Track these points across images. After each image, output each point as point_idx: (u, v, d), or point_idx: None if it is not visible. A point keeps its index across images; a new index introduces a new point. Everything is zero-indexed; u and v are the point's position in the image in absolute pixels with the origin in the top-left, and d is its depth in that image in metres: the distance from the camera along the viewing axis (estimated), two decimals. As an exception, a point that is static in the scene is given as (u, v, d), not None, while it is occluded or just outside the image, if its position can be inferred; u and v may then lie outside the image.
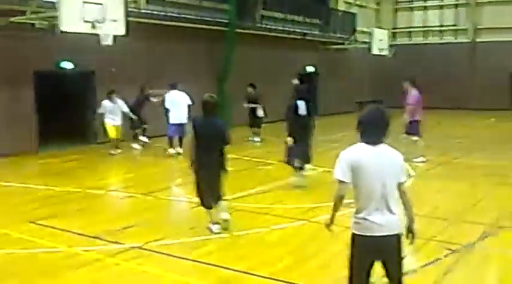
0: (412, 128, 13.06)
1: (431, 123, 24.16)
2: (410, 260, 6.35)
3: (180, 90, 14.38)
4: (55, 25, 12.78)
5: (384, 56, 27.75)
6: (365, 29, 29.14)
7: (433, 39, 32.47)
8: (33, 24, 13.83)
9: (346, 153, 4.21)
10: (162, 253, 6.58)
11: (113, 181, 11.93)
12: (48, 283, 5.69)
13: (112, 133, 14.45)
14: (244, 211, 8.74)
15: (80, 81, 16.35)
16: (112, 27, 13.55)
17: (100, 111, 14.50)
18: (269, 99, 17.56)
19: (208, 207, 7.37)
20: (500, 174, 11.59)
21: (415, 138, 13.13)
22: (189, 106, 14.00)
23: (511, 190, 10.01)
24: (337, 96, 27.49)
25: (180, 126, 13.81)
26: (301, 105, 9.93)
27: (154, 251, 6.64)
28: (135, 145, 15.54)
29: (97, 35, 13.48)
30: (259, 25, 22.29)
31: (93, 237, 7.19)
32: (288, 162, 10.29)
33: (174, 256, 6.48)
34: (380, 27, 29.07)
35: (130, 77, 16.46)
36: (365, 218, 4.21)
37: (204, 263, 6.26)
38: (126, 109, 14.64)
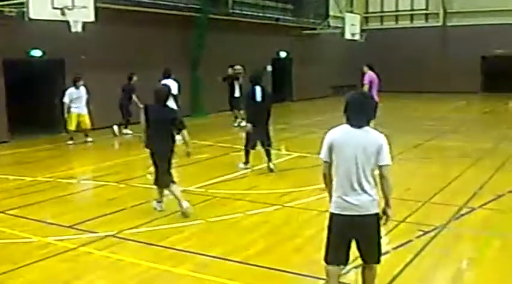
0: None
1: (403, 107, 24.46)
2: (382, 242, 6.46)
3: (173, 79, 14.57)
4: (24, 12, 12.55)
5: (356, 40, 27.89)
6: (338, 14, 29.20)
7: (404, 24, 32.70)
8: (1, 12, 13.54)
9: (330, 133, 4.40)
10: (137, 241, 6.56)
11: (86, 170, 11.78)
12: (20, 273, 5.61)
13: (72, 123, 14.10)
14: (218, 197, 8.74)
15: (50, 69, 16.09)
16: (81, 13, 13.36)
17: (65, 100, 14.03)
18: (243, 84, 17.51)
19: (165, 187, 7.67)
20: (472, 156, 11.77)
21: None
22: (174, 95, 14.18)
23: (483, 172, 10.16)
24: (311, 81, 27.56)
25: None
26: (258, 91, 10.12)
27: (128, 239, 6.61)
28: (115, 128, 15.50)
29: (66, 22, 13.27)
30: (231, 11, 22.16)
31: (66, 226, 7.12)
32: (246, 146, 10.60)
33: (149, 244, 6.45)
34: (352, 12, 29.14)
35: (101, 64, 16.26)
36: (341, 198, 4.32)
37: (179, 250, 6.25)
38: (86, 96, 14.29)
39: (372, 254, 4.42)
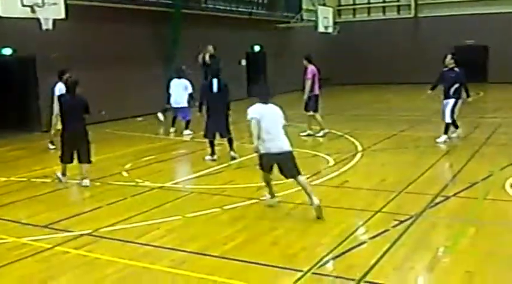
0: (310, 104, 13.64)
1: (376, 98, 24.66)
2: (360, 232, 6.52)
3: (187, 79, 14.95)
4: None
5: (329, 33, 28.01)
6: (311, 7, 29.27)
7: (376, 16, 32.94)
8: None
9: (253, 107, 7.32)
10: (113, 239, 6.50)
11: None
12: (-5, 275, 5.54)
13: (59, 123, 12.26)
14: (195, 192, 8.73)
15: (21, 68, 15.87)
16: (52, 11, 13.17)
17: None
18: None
19: (67, 163, 9.35)
20: (445, 145, 11.91)
21: (310, 113, 13.65)
22: (190, 94, 14.75)
23: (456, 161, 10.31)
24: (285, 75, 27.55)
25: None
26: (215, 83, 10.73)
27: (105, 238, 6.55)
28: (160, 115, 16.40)
29: (37, 19, 13.08)
30: (204, 5, 22.08)
31: (41, 226, 7.03)
32: (205, 136, 11.07)
33: (126, 241, 6.41)
34: (325, 5, 29.23)
35: (73, 62, 16.04)
36: (268, 144, 7.16)
37: (156, 246, 6.23)
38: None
39: (290, 172, 7.21)
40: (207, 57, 17.24)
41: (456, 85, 12.07)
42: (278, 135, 7.21)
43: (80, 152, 9.22)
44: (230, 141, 10.99)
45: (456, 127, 12.50)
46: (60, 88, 12.84)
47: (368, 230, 6.55)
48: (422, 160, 10.58)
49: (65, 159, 9.36)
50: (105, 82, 16.80)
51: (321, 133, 13.64)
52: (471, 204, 7.64)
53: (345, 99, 23.37)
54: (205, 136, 11.07)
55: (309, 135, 13.65)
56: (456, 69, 12.19)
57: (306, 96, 13.63)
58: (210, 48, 17.08)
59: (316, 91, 13.60)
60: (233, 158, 10.83)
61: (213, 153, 10.99)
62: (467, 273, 5.18)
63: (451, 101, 12.07)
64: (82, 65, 15.87)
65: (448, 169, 9.64)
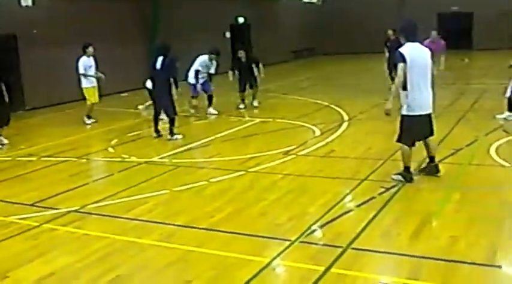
0: None
1: (363, 68, 24.63)
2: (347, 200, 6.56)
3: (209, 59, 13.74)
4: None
5: (313, 3, 27.82)
6: (294, -23, 29.01)
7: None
8: None
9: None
10: (101, 215, 6.51)
11: (45, 147, 11.46)
12: (-17, 254, 5.54)
13: (95, 96, 13.03)
14: (182, 166, 8.72)
15: (2, 45, 15.63)
16: (30, -14, 12.96)
17: (80, 70, 12.77)
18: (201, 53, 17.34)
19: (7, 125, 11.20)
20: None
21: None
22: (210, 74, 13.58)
23: (441, 127, 10.29)
24: (271, 46, 27.42)
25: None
26: (159, 60, 10.64)
27: (92, 214, 6.55)
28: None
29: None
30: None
31: (28, 205, 7.01)
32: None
33: (114, 217, 6.42)
34: (309, -26, 28.98)
35: (55, 39, 15.87)
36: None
37: (144, 220, 6.24)
38: (94, 66, 12.99)
39: None
40: None
41: None
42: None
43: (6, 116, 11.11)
44: (171, 122, 10.79)
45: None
46: (83, 62, 12.79)
47: (355, 198, 6.60)
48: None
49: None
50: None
51: None
52: (456, 170, 7.70)
53: (329, 69, 23.32)
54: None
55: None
56: None
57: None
58: None
59: None
60: (159, 135, 10.92)
61: (156, 131, 10.98)
62: (451, 237, 5.24)
63: None
64: (64, 41, 15.71)
65: (437, 134, 9.66)
